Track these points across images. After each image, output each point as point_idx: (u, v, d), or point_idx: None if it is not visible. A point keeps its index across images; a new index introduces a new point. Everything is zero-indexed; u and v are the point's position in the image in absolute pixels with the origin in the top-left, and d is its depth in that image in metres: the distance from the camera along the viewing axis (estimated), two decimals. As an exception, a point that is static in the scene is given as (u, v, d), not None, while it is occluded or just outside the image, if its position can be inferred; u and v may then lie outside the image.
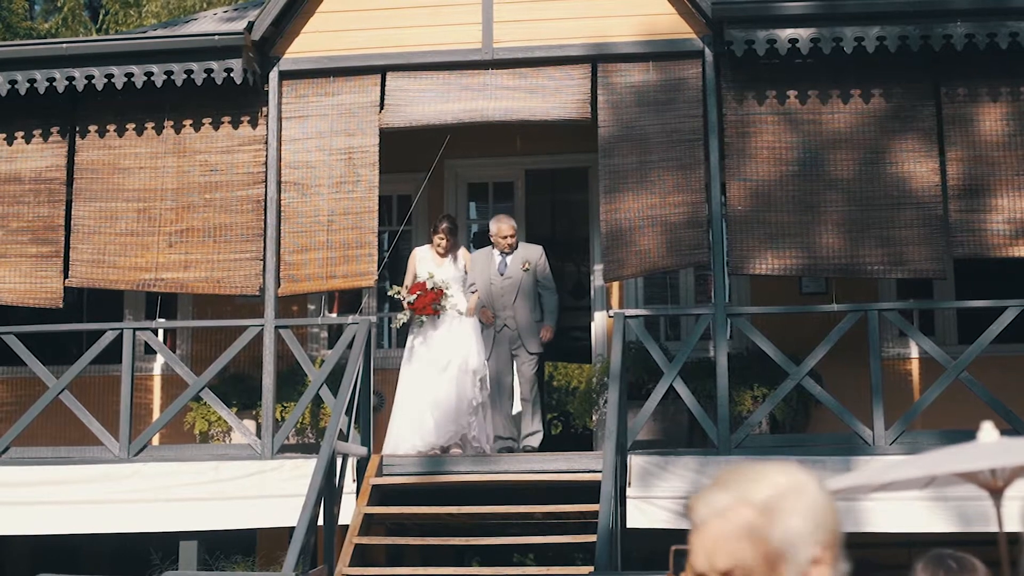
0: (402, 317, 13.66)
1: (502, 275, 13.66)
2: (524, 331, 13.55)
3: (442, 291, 13.44)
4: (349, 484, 12.55)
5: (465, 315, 13.58)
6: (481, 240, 16.95)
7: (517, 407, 13.60)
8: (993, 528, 11.53)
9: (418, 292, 13.40)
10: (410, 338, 13.63)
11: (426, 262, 13.78)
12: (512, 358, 13.60)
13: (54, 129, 13.88)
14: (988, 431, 4.64)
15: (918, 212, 12.62)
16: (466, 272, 13.88)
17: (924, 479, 6.07)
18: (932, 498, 11.41)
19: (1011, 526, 5.40)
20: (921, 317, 14.60)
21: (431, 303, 13.37)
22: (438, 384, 13.19)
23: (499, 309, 13.60)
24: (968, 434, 5.45)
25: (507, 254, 13.75)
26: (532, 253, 13.82)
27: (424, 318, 13.43)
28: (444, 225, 13.82)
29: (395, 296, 13.81)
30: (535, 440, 13.45)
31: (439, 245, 13.79)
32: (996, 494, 4.99)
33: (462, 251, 14.16)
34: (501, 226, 13.77)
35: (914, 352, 14.48)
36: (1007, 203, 12.56)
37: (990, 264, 13.52)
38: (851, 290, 13.78)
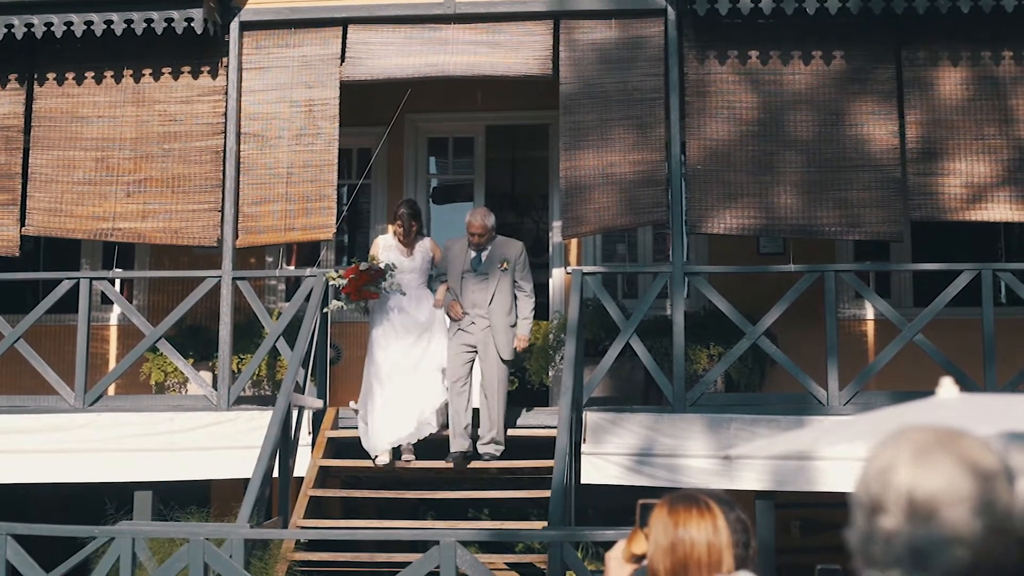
0: (337, 303, 12.99)
1: (475, 271, 12.65)
2: (498, 335, 12.46)
3: (381, 271, 12.70)
4: (305, 436, 12.58)
5: (433, 307, 12.81)
6: (440, 195, 16.93)
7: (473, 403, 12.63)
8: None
9: (351, 276, 12.72)
10: (371, 330, 12.95)
11: (391, 251, 13.08)
12: (472, 360, 12.59)
13: (12, 76, 13.76)
14: (948, 387, 4.66)
15: (876, 174, 12.67)
16: (433, 264, 13.14)
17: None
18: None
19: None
20: (877, 279, 14.69)
21: (364, 285, 12.68)
22: (408, 384, 12.56)
23: (469, 307, 12.56)
24: (921, 395, 5.49)
25: (482, 249, 12.70)
26: (511, 250, 12.74)
27: (363, 302, 12.92)
28: (402, 211, 13.15)
29: (329, 281, 12.93)
30: (496, 449, 12.47)
31: (398, 233, 13.10)
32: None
33: (428, 242, 13.33)
34: (472, 220, 12.71)
35: (869, 313, 14.58)
36: (965, 167, 12.62)
37: (947, 227, 13.61)
38: (808, 251, 13.83)
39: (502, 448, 12.48)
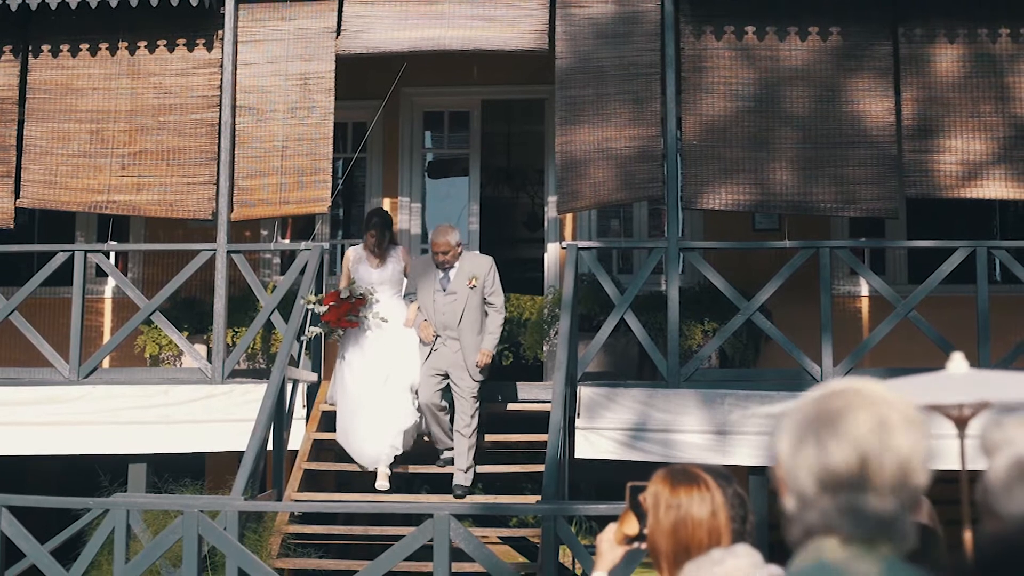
0: (315, 330, 12.53)
1: (444, 291, 12.21)
2: (469, 356, 12.04)
3: (363, 299, 12.31)
4: (299, 410, 12.59)
5: (404, 326, 12.38)
6: (435, 169, 16.92)
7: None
8: (939, 466, 11.71)
9: (331, 303, 12.32)
10: (339, 359, 12.62)
11: (362, 264, 12.74)
12: (444, 384, 12.16)
13: (7, 48, 13.72)
14: (958, 362, 4.64)
15: (872, 151, 12.67)
16: (405, 274, 12.76)
17: None
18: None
19: (972, 463, 5.46)
20: (872, 256, 14.71)
21: (345, 314, 12.25)
22: (376, 402, 12.17)
23: (440, 328, 12.14)
24: (916, 372, 5.48)
25: (449, 267, 12.22)
26: (479, 266, 12.30)
27: (341, 331, 12.43)
28: (374, 220, 12.80)
29: (308, 307, 12.43)
30: (467, 479, 12.09)
31: (370, 245, 12.69)
32: (960, 425, 5.01)
33: (400, 251, 12.96)
34: (436, 239, 12.27)
35: (864, 290, 14.60)
36: (960, 144, 12.62)
37: (942, 205, 13.61)
38: (803, 227, 13.83)
39: (472, 475, 12.14)
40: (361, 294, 12.32)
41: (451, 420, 12.21)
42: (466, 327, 12.09)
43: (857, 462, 2.39)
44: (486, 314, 12.23)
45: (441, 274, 12.25)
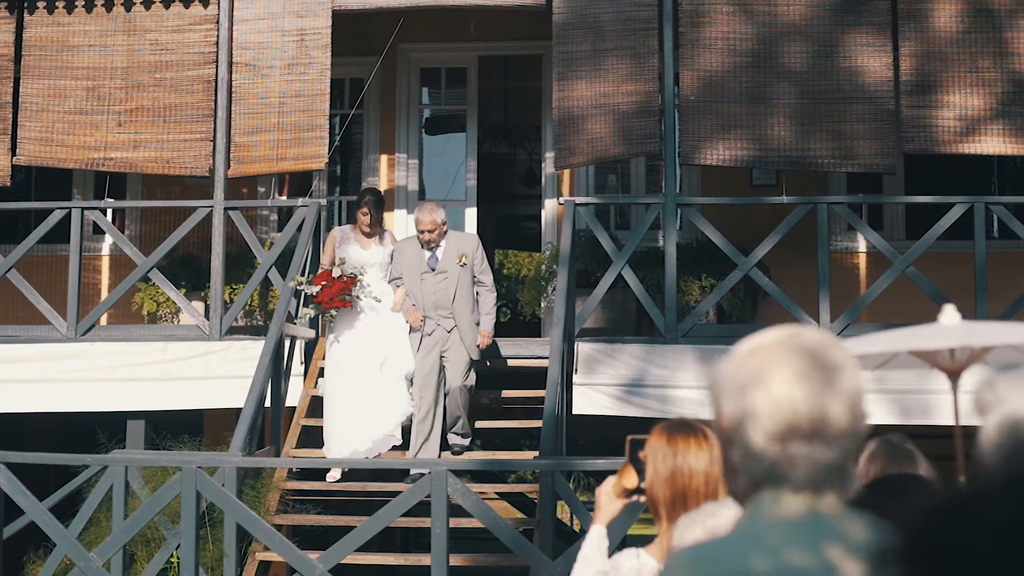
0: (308, 312, 12.16)
1: (433, 270, 11.96)
2: (465, 335, 11.87)
3: (353, 278, 11.96)
4: (296, 366, 12.60)
5: (391, 311, 12.09)
6: (432, 126, 16.88)
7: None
8: (934, 421, 11.66)
9: (323, 283, 11.95)
10: (329, 341, 12.24)
11: (349, 243, 12.36)
12: (441, 367, 11.93)
13: (2, 5, 13.65)
14: (950, 313, 4.65)
15: (870, 106, 12.63)
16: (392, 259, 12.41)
17: (886, 356, 6.09)
18: (873, 390, 11.53)
19: (966, 419, 5.47)
20: (870, 211, 14.69)
21: (338, 294, 11.87)
22: (371, 390, 11.86)
23: (430, 310, 11.91)
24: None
25: (436, 247, 12.00)
26: (467, 244, 12.13)
27: (334, 311, 12.01)
28: (368, 198, 12.47)
29: (296, 287, 12.19)
30: (465, 439, 12.07)
31: (363, 223, 12.34)
32: (953, 377, 5.02)
33: (388, 235, 12.70)
34: (421, 217, 12.03)
35: (862, 246, 14.60)
36: (958, 99, 12.59)
37: (940, 160, 13.59)
38: (801, 183, 13.82)
39: (469, 438, 12.19)
40: (352, 273, 12.01)
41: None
42: (460, 306, 11.91)
43: (804, 410, 2.41)
44: (476, 293, 12.08)
45: (428, 254, 12.01)
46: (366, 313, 12.08)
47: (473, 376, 12.01)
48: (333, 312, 11.99)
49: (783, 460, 2.43)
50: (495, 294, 12.23)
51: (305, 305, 12.21)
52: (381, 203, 12.66)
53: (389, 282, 12.25)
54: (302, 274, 12.32)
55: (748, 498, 2.50)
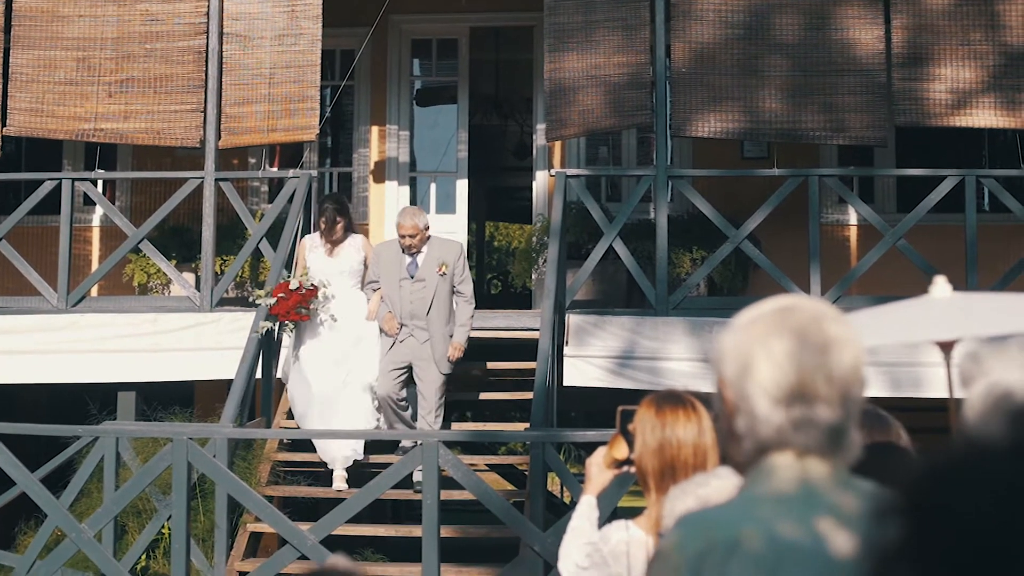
0: (266, 325, 11.54)
1: (412, 278, 11.48)
2: (437, 347, 11.40)
3: (315, 290, 11.53)
4: (287, 338, 12.57)
5: (365, 319, 11.71)
6: (423, 97, 16.85)
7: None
8: (926, 394, 11.67)
9: (280, 295, 11.51)
10: (292, 352, 11.86)
11: (316, 251, 12.01)
12: (407, 376, 11.54)
13: (-9, -26, 13.62)
14: (941, 286, 4.64)
15: (861, 79, 12.63)
16: (365, 265, 12.00)
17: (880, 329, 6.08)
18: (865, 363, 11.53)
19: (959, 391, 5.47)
20: (861, 184, 14.69)
21: (295, 307, 11.42)
22: (332, 405, 11.48)
23: (406, 318, 11.45)
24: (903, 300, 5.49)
25: (416, 253, 11.54)
26: (449, 252, 11.59)
27: (292, 325, 11.60)
28: (324, 205, 12.04)
29: (256, 302, 11.81)
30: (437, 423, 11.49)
31: (324, 232, 11.96)
32: (946, 349, 5.02)
33: (359, 240, 12.23)
34: (402, 221, 11.51)
35: (853, 219, 14.61)
36: (950, 72, 12.58)
37: (931, 133, 13.59)
38: (792, 155, 13.81)
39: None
40: (313, 285, 11.58)
41: (412, 416, 11.67)
42: (435, 317, 11.44)
43: (807, 373, 2.46)
44: (454, 303, 11.64)
45: (408, 260, 11.54)
46: (326, 326, 11.67)
47: (444, 390, 11.55)
48: (291, 325, 11.62)
49: (787, 424, 2.47)
50: (473, 305, 11.66)
51: (264, 318, 11.66)
52: (343, 210, 12.12)
53: (365, 286, 11.91)
54: (260, 287, 12.18)
55: (753, 464, 2.54)
